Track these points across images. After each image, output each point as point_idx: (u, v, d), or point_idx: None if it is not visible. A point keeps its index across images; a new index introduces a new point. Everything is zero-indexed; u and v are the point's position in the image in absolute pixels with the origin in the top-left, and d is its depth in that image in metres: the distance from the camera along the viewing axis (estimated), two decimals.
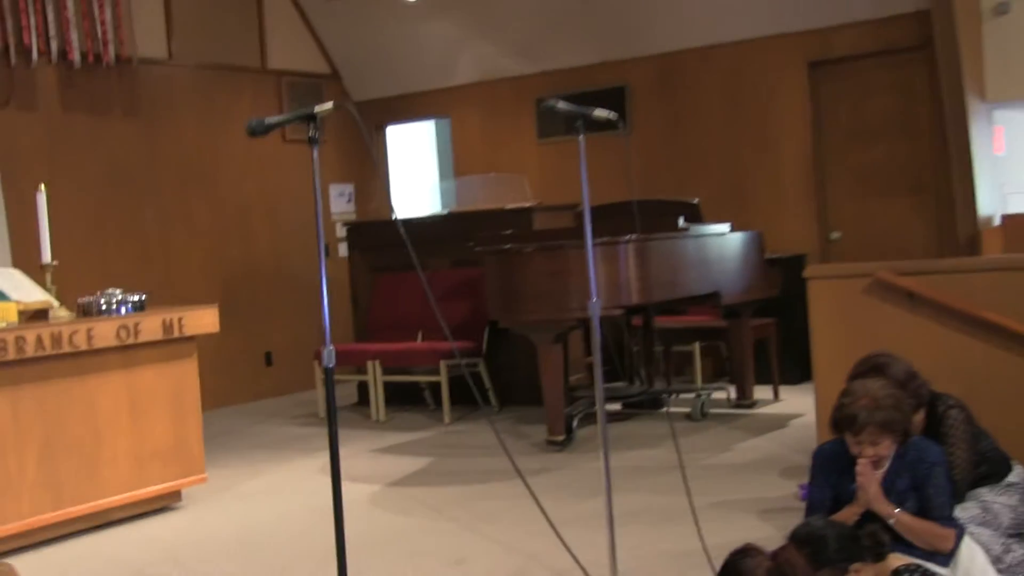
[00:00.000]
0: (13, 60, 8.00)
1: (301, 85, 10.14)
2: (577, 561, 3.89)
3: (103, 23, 8.50)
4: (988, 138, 7.70)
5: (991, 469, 4.39)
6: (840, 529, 3.31)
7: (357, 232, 9.05)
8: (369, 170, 10.65)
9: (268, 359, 9.79)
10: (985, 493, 4.33)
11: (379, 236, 8.74)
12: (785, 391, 7.83)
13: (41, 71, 8.26)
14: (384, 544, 4.75)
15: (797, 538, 3.12)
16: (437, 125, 11.07)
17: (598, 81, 9.47)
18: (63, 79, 8.41)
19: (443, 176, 11.12)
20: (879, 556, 3.32)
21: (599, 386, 3.99)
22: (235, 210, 9.61)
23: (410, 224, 8.57)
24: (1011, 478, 4.39)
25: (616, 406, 7.57)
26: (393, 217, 7.43)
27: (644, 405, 7.52)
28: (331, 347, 3.11)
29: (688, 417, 7.12)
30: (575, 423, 6.66)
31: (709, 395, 7.30)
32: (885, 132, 8.41)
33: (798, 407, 7.25)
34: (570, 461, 6.10)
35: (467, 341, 7.86)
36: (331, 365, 3.10)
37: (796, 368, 8.05)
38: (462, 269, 8.25)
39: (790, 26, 8.57)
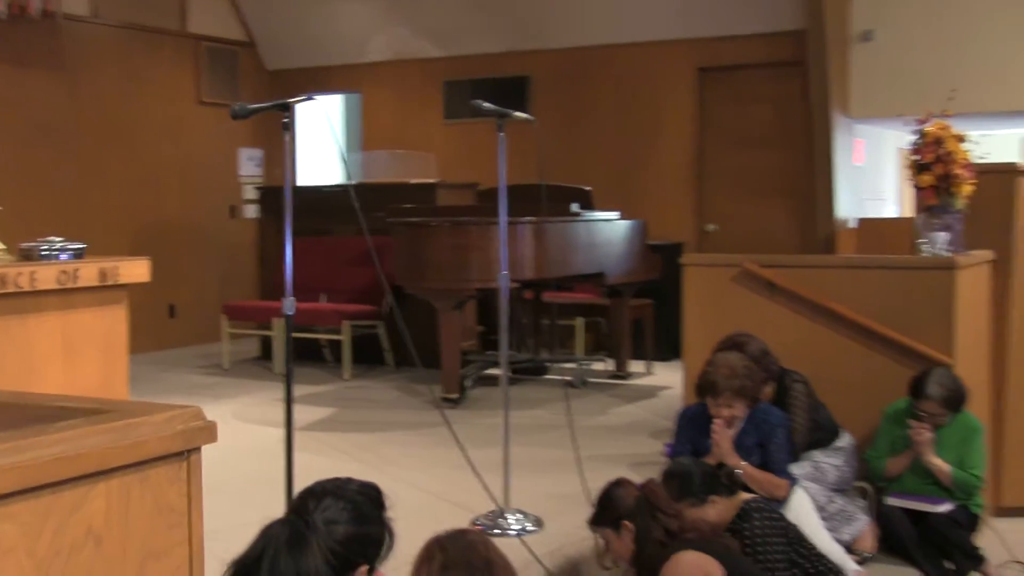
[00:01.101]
0: None
1: (218, 51, 10.55)
2: (487, 489, 4.54)
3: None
4: (849, 150, 8.56)
5: (824, 435, 5.19)
6: (704, 467, 4.06)
7: (270, 196, 9.56)
8: (278, 136, 11.09)
9: (172, 311, 10.20)
10: (817, 454, 5.12)
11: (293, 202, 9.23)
12: (657, 366, 8.61)
13: None
14: (306, 479, 5.33)
15: (669, 472, 3.83)
16: (347, 99, 11.57)
17: (504, 69, 10.09)
18: None
19: (350, 149, 11.64)
20: (732, 492, 4.07)
21: (504, 348, 4.66)
22: (150, 168, 9.99)
23: (320, 192, 9.11)
24: (839, 443, 5.20)
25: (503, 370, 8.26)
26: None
27: (530, 372, 8.22)
28: (291, 298, 3.71)
29: (570, 384, 7.85)
30: (468, 383, 7.33)
31: (589, 366, 8.04)
32: (762, 138, 9.22)
33: (667, 381, 8.02)
34: (464, 417, 6.74)
35: (369, 305, 8.46)
36: (291, 313, 3.70)
37: (668, 346, 8.82)
38: (363, 238, 8.80)
39: (684, 33, 9.30)
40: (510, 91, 9.75)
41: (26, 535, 1.29)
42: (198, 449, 1.51)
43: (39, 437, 1.37)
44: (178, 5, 10.25)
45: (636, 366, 8.41)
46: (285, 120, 3.82)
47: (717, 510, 3.93)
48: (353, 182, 9.55)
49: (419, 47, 10.41)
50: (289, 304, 3.70)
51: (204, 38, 10.45)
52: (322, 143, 11.33)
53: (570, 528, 4.22)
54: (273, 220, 9.53)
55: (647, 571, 3.53)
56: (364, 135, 10.86)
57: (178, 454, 1.49)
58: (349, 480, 2.45)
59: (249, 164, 10.83)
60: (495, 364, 8.02)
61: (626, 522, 3.55)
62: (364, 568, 2.31)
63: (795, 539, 4.03)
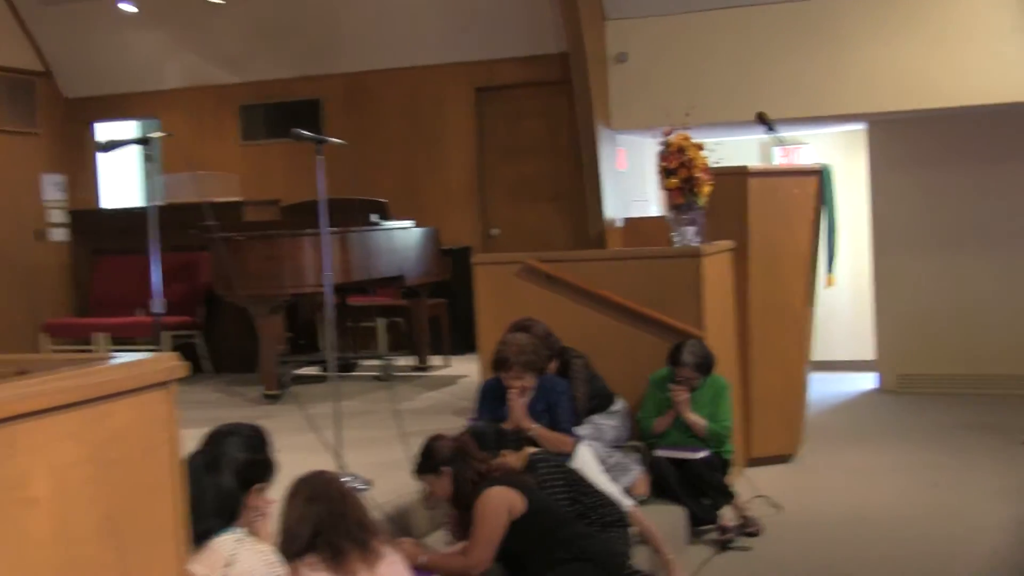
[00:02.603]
0: None
1: (15, 81, 10.84)
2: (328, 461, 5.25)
3: None
4: (613, 157, 9.64)
5: (601, 401, 6.14)
6: (495, 428, 4.92)
7: (79, 218, 9.97)
8: (79, 162, 11.44)
9: None
10: (596, 417, 6.06)
11: (100, 223, 9.72)
12: (454, 359, 9.47)
13: None
14: None
15: (469, 431, 4.68)
16: (144, 124, 11.98)
17: (296, 93, 10.77)
18: None
19: (147, 172, 12.05)
20: (519, 447, 4.94)
21: (332, 338, 5.42)
22: None
23: (130, 213, 9.60)
24: (614, 408, 6.16)
25: (313, 370, 8.97)
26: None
27: (340, 368, 8.92)
28: (161, 298, 4.38)
29: (377, 378, 8.62)
30: (286, 381, 8.02)
31: (394, 361, 8.85)
32: (534, 149, 10.21)
33: (464, 371, 8.88)
34: (285, 411, 7.37)
35: (185, 316, 9.03)
36: (162, 311, 4.37)
37: (462, 341, 9.69)
38: (178, 253, 9.35)
39: (461, 57, 10.19)
40: (303, 113, 10.44)
41: (81, 432, 2.02)
42: (175, 380, 2.25)
43: (85, 369, 2.10)
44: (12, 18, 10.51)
45: (435, 360, 9.26)
46: (148, 154, 4.46)
47: (509, 461, 4.79)
48: (163, 203, 10.07)
49: (213, 73, 10.96)
50: (159, 303, 4.35)
51: (0, 68, 10.74)
52: (124, 167, 11.70)
53: (397, 486, 4.97)
54: (84, 241, 9.93)
55: (464, 507, 4.37)
56: (164, 159, 11.33)
57: (164, 383, 2.23)
58: (241, 424, 3.21)
59: (52, 189, 11.14)
60: (307, 364, 8.74)
61: (444, 467, 4.37)
62: (258, 486, 3.08)
63: (575, 482, 4.90)
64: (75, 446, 2.02)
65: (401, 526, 4.75)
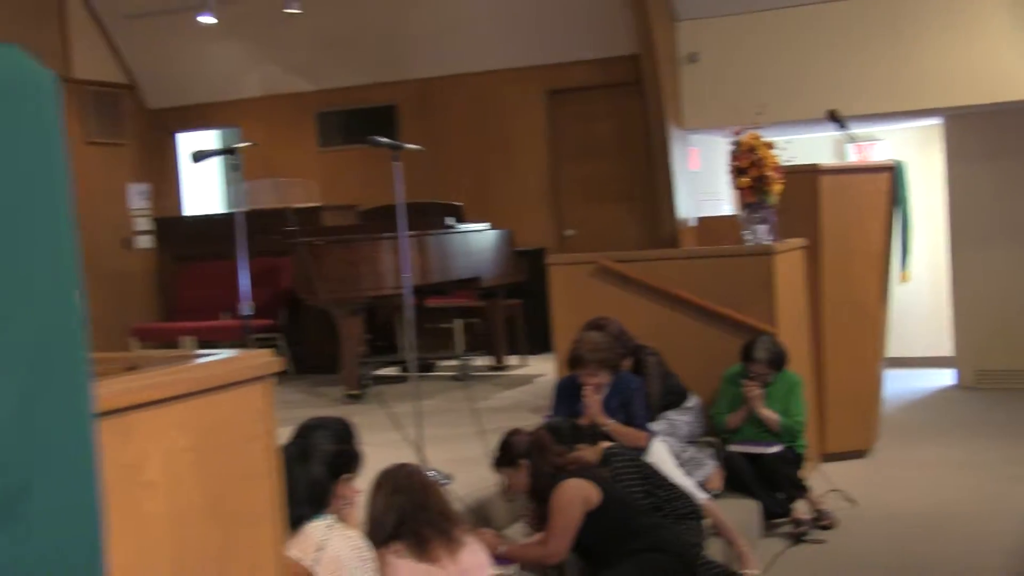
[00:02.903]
0: None
1: (102, 94, 11.22)
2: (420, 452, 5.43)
3: None
4: (685, 157, 9.72)
5: (675, 398, 6.24)
6: (571, 423, 5.05)
7: (164, 226, 10.30)
8: (162, 171, 11.80)
9: None
10: (671, 413, 6.17)
11: (183, 230, 10.02)
12: (530, 359, 9.62)
13: None
14: None
15: (545, 426, 4.82)
16: (225, 133, 12.30)
17: (371, 99, 11.00)
18: None
19: (230, 180, 12.36)
20: (595, 441, 5.06)
21: (411, 339, 5.58)
22: None
23: (212, 220, 9.89)
24: (688, 404, 6.26)
25: (393, 370, 9.17)
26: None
27: (418, 369, 9.12)
28: (250, 301, 4.57)
29: (455, 378, 8.80)
30: (367, 382, 8.23)
31: (471, 361, 9.01)
32: (606, 150, 10.32)
33: (540, 370, 9.02)
34: (367, 410, 7.57)
35: (268, 319, 9.28)
36: (250, 313, 4.56)
37: (537, 340, 9.83)
38: (260, 259, 9.62)
39: (533, 60, 10.35)
40: (378, 119, 10.66)
41: (188, 421, 2.19)
42: (271, 375, 2.42)
43: (190, 364, 2.27)
44: (62, 53, 10.89)
45: (511, 359, 9.41)
46: (234, 163, 4.66)
47: (585, 455, 4.92)
48: (245, 209, 10.34)
49: (290, 82, 11.23)
50: (247, 306, 4.56)
51: (88, 83, 11.10)
52: (205, 175, 12.03)
53: (477, 480, 5.13)
54: (168, 248, 10.25)
55: (541, 499, 4.51)
56: (244, 166, 11.60)
57: (261, 377, 2.40)
58: (329, 417, 3.38)
59: (138, 198, 11.48)
60: (387, 364, 8.94)
61: (522, 460, 4.52)
62: (346, 476, 3.25)
63: (649, 475, 5.02)
64: (183, 434, 2.19)
65: (481, 518, 4.89)
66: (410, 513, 3.64)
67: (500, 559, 4.24)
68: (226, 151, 4.94)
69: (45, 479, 1.37)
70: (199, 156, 4.88)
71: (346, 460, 3.32)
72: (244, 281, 4.86)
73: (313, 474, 3.12)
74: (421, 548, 3.62)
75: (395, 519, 3.63)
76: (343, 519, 3.27)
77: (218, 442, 2.28)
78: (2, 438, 1.29)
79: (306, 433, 3.24)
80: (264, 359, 2.43)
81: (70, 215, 1.46)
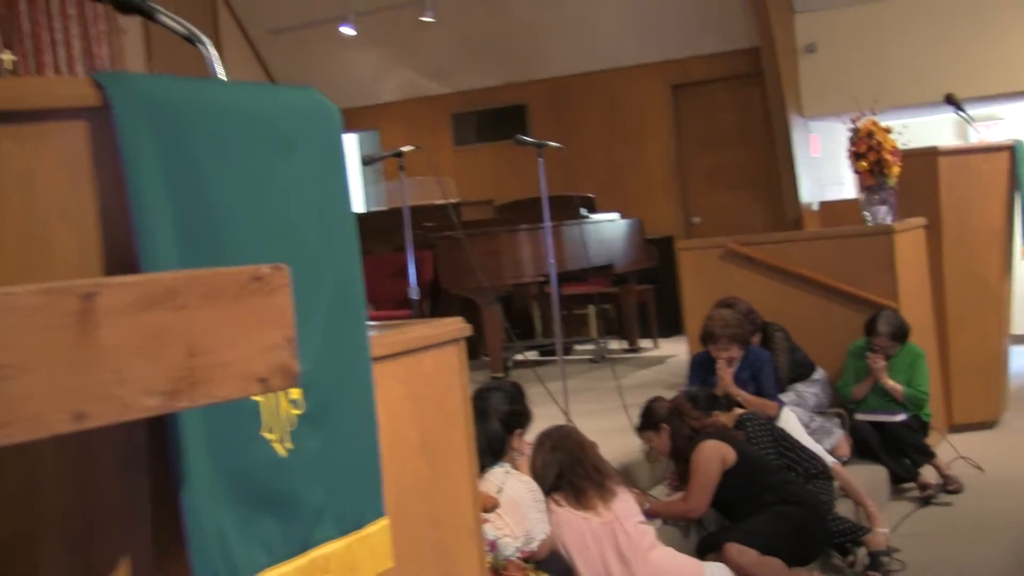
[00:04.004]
0: None
1: None
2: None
3: (100, 58, 10.27)
4: (806, 144, 10.07)
5: (803, 371, 6.64)
6: (707, 392, 5.51)
7: None
8: None
9: None
10: (799, 386, 6.57)
11: None
12: (661, 341, 10.08)
13: None
14: None
15: (683, 395, 5.30)
16: (365, 136, 12.98)
17: (502, 99, 11.58)
18: None
19: (368, 180, 13.08)
20: (729, 408, 5.52)
21: (558, 323, 6.11)
22: None
23: (360, 217, 10.55)
24: (815, 376, 6.65)
25: (532, 355, 9.71)
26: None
27: (554, 353, 9.66)
28: (416, 287, 5.14)
29: (592, 360, 9.31)
30: (509, 365, 8.80)
31: (606, 343, 9.52)
32: (730, 140, 10.72)
33: (671, 351, 9.49)
34: None
35: (408, 310, 9.89)
36: (417, 298, 5.13)
37: (668, 324, 10.30)
38: (399, 254, 10.25)
39: (657, 57, 10.81)
40: (511, 118, 11.23)
41: (403, 375, 2.74)
42: (463, 338, 2.97)
43: (403, 329, 2.83)
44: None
45: (644, 342, 9.89)
46: (400, 165, 5.23)
47: (721, 420, 5.38)
48: (386, 207, 11.01)
49: (426, 85, 11.88)
50: (414, 291, 5.13)
51: None
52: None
53: (622, 446, 5.61)
54: None
55: (681, 459, 4.99)
56: (384, 166, 12.30)
57: (456, 340, 2.94)
58: (503, 380, 3.93)
59: None
60: (528, 349, 9.49)
61: (663, 424, 5.01)
62: (519, 431, 3.80)
63: (780, 438, 5.46)
64: (399, 385, 2.74)
65: (626, 481, 5.39)
66: (568, 467, 4.17)
67: (646, 515, 4.73)
68: (394, 154, 5.51)
69: (342, 395, 1.93)
70: (367, 160, 5.47)
71: (518, 417, 3.87)
72: (411, 270, 5.45)
73: (491, 429, 3.67)
74: (578, 497, 4.14)
75: (555, 473, 4.16)
76: (516, 467, 3.82)
77: (425, 391, 2.83)
78: (316, 360, 1.84)
79: (484, 395, 3.79)
80: (458, 325, 2.98)
81: (351, 210, 2.02)
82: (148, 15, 2.05)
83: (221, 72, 2.08)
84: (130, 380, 1.25)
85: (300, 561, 1.81)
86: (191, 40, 2.05)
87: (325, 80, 12.19)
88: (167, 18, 2.07)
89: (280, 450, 1.78)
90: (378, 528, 2.00)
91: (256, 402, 1.74)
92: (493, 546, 3.32)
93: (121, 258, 1.64)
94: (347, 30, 11.27)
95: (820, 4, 9.71)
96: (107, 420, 1.23)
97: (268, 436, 1.76)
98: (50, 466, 1.64)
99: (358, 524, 1.94)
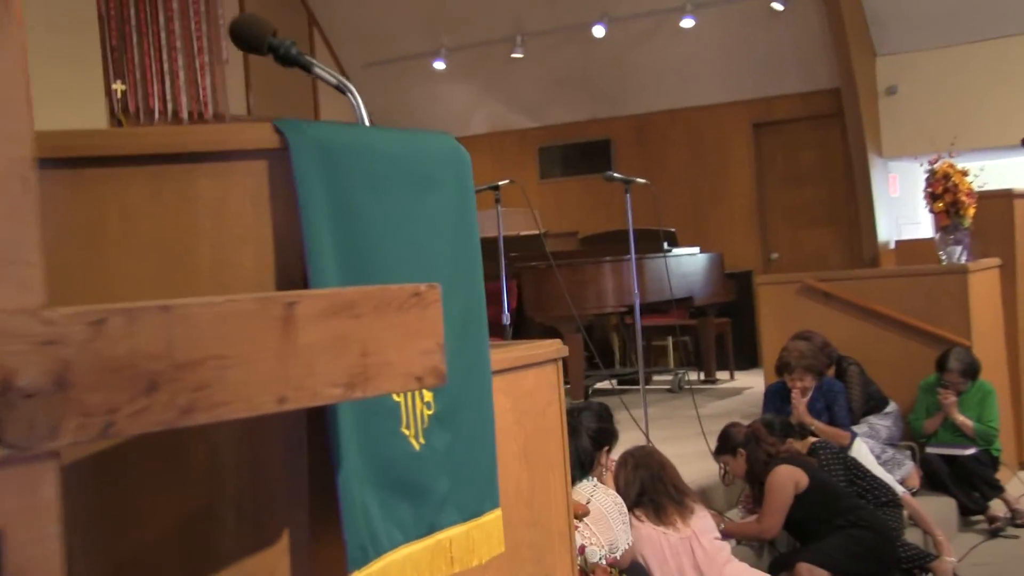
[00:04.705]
0: (142, 119, 10.28)
1: None
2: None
3: (204, 88, 10.80)
4: (885, 184, 10.25)
5: (875, 404, 6.84)
6: (783, 420, 5.74)
7: None
8: None
9: None
10: (872, 418, 6.77)
11: None
12: (738, 374, 10.30)
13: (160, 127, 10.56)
14: None
15: (760, 421, 5.54)
16: None
17: (587, 134, 11.90)
18: None
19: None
20: (803, 436, 5.75)
21: (640, 352, 6.39)
22: None
23: None
24: (887, 410, 6.85)
25: (611, 383, 9.97)
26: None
27: (635, 382, 9.92)
28: (508, 314, 5.45)
29: (670, 390, 9.56)
30: (589, 391, 9.08)
31: (685, 374, 9.76)
32: (810, 178, 10.94)
33: (748, 383, 9.69)
34: None
35: (497, 337, 10.22)
36: (508, 324, 5.44)
37: (745, 357, 10.51)
38: (488, 282, 10.58)
39: (739, 95, 11.07)
40: (595, 153, 11.55)
41: (507, 389, 3.04)
42: (561, 358, 3.26)
43: (507, 349, 3.14)
44: (312, 100, 12.19)
45: (721, 374, 10.11)
46: (496, 198, 5.54)
47: (795, 446, 5.61)
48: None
49: (514, 119, 12.24)
50: (506, 317, 5.44)
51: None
52: None
53: (700, 471, 5.87)
54: None
55: (756, 482, 5.23)
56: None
57: (553, 359, 3.24)
58: (592, 401, 4.22)
59: None
60: (606, 378, 9.77)
61: (740, 449, 5.26)
62: (606, 448, 4.08)
63: (852, 467, 5.67)
64: (504, 399, 3.04)
65: (703, 503, 5.64)
66: (649, 485, 4.44)
67: (721, 535, 4.97)
68: (491, 187, 5.82)
69: (467, 401, 2.23)
70: None
71: (606, 435, 4.16)
72: (504, 297, 5.78)
73: (581, 445, 3.95)
74: (658, 513, 4.41)
75: (637, 490, 4.43)
76: (603, 482, 4.11)
77: (526, 405, 3.13)
78: (451, 343, 2.12)
79: (576, 414, 4.07)
80: (556, 347, 3.28)
81: (478, 242, 2.33)
82: (306, 68, 2.37)
83: (365, 117, 2.40)
84: (319, 373, 1.56)
85: (428, 541, 2.11)
86: (341, 90, 2.37)
87: (415, 112, 12.62)
88: (320, 70, 2.39)
89: (415, 444, 2.08)
90: (493, 517, 2.29)
91: (397, 402, 2.04)
92: (582, 550, 3.60)
93: (289, 277, 1.96)
94: (439, 65, 11.67)
95: (902, 47, 9.91)
96: (301, 404, 1.54)
97: (406, 432, 2.07)
98: (228, 451, 1.96)
99: (477, 512, 2.24)
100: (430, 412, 2.13)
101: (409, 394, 2.06)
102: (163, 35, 10.37)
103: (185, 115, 10.56)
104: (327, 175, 1.93)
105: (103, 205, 1.90)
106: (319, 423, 1.94)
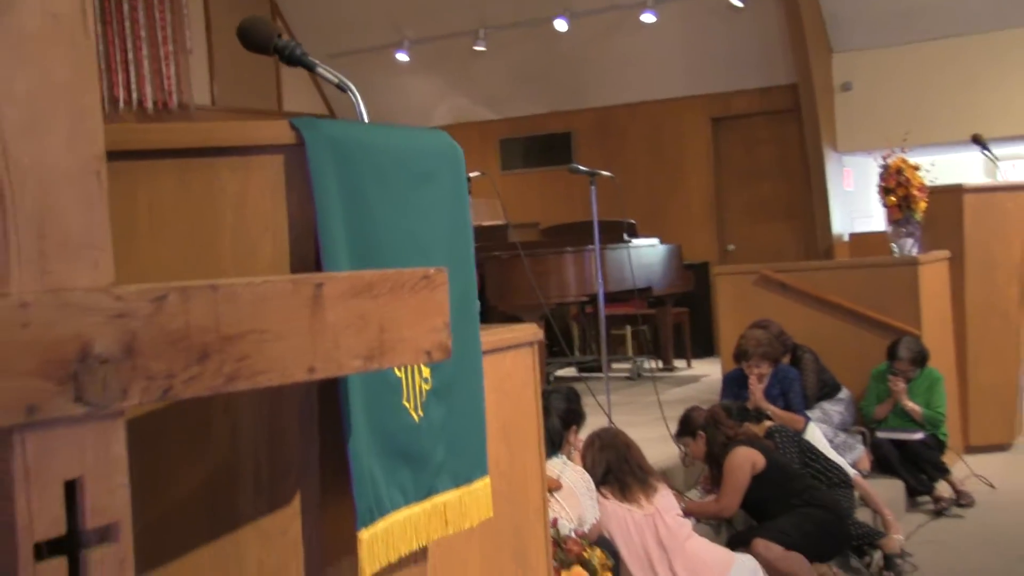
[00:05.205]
0: (106, 108, 10.34)
1: None
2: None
3: (168, 78, 10.88)
4: (840, 178, 10.53)
5: (829, 390, 7.09)
6: (740, 405, 5.98)
7: None
8: None
9: None
10: (825, 404, 7.02)
11: None
12: (695, 362, 10.55)
13: (124, 116, 10.61)
14: None
15: (719, 406, 5.77)
16: None
17: (549, 127, 12.10)
18: (140, 121, 10.76)
19: None
20: (759, 420, 5.99)
21: (603, 340, 6.60)
22: None
23: None
24: (840, 396, 7.10)
25: (570, 371, 10.20)
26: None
27: (593, 369, 10.15)
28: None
29: (628, 377, 9.79)
30: (551, 378, 9.29)
31: (643, 362, 10.00)
32: (767, 172, 11.20)
33: (705, 371, 9.95)
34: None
35: None
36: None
37: (701, 346, 10.77)
38: None
39: (698, 90, 11.32)
40: (556, 145, 11.75)
41: (489, 371, 3.23)
42: (537, 341, 3.46)
43: (489, 332, 3.33)
44: (275, 90, 12.30)
45: (678, 362, 10.35)
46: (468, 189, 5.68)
47: (752, 430, 5.85)
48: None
49: (476, 111, 12.42)
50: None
51: (296, 114, 12.44)
52: None
53: (660, 453, 6.08)
54: None
55: (715, 464, 5.46)
56: None
57: (530, 343, 3.44)
58: (560, 385, 4.43)
59: None
60: (567, 365, 9.98)
61: (700, 432, 5.48)
62: (574, 427, 4.29)
63: (806, 449, 5.92)
64: (485, 379, 3.24)
65: (666, 479, 5.87)
66: (615, 464, 4.66)
67: (682, 515, 5.20)
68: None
69: (460, 378, 2.42)
70: None
71: (575, 415, 4.38)
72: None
73: (551, 424, 4.16)
74: (623, 491, 4.63)
75: (604, 469, 4.65)
76: (572, 460, 4.32)
77: (505, 386, 3.32)
78: (452, 324, 2.30)
79: (546, 395, 4.28)
80: (533, 330, 3.48)
81: (471, 230, 2.51)
82: (310, 68, 2.55)
83: (364, 114, 2.58)
84: (343, 347, 1.74)
85: (426, 504, 2.30)
86: (342, 88, 2.55)
87: (378, 104, 12.74)
88: (323, 70, 2.57)
89: (415, 416, 2.27)
90: (483, 485, 2.49)
91: (399, 378, 2.23)
92: (555, 523, 3.80)
93: (302, 262, 2.14)
94: (402, 57, 11.82)
95: (857, 44, 10.19)
96: (328, 374, 1.73)
97: (406, 405, 2.25)
98: (247, 422, 2.13)
99: (468, 479, 2.43)
100: (428, 387, 2.31)
101: (409, 371, 2.25)
102: (127, 24, 10.44)
103: (150, 104, 10.65)
104: (339, 169, 2.11)
105: (134, 196, 2.06)
106: (329, 398, 2.12)
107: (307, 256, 2.13)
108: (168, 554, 2.05)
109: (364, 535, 2.08)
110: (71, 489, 1.37)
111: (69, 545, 1.36)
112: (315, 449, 2.17)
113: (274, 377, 1.66)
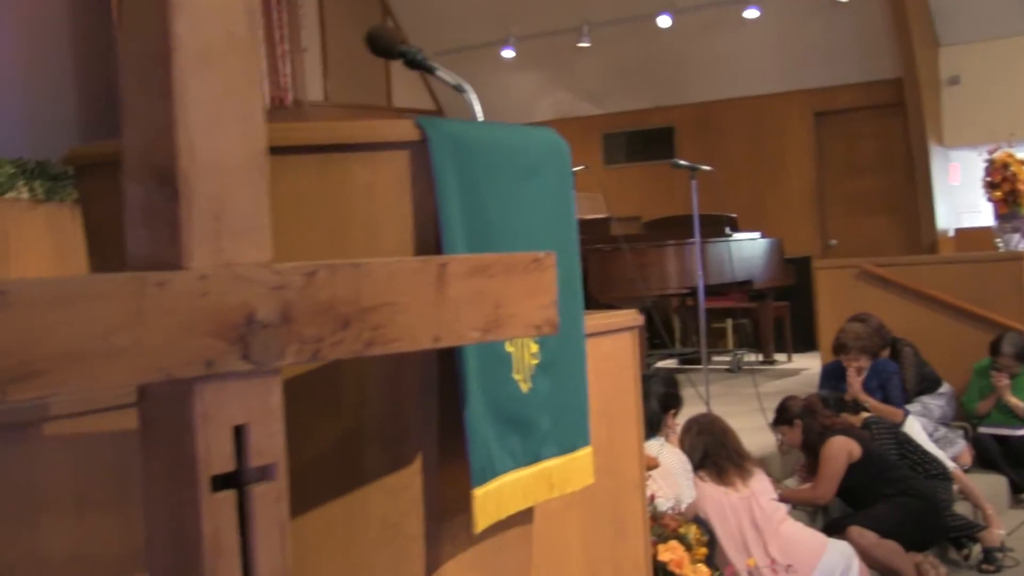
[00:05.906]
0: None
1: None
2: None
3: (284, 76, 11.27)
4: (945, 173, 10.50)
5: (929, 384, 7.15)
6: (837, 396, 6.09)
7: None
8: None
9: None
10: (925, 398, 7.08)
11: None
12: (795, 356, 10.61)
13: None
14: None
15: (816, 396, 5.89)
16: None
17: (650, 122, 12.24)
18: None
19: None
20: (856, 412, 6.09)
21: (703, 333, 6.75)
22: None
23: None
24: (941, 390, 7.15)
25: (672, 363, 10.34)
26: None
27: (694, 362, 10.27)
28: None
29: (729, 370, 9.91)
30: (650, 372, 9.44)
31: (743, 355, 10.10)
32: (870, 167, 11.20)
33: (805, 364, 10.00)
34: None
35: None
36: None
37: (801, 340, 10.80)
38: None
39: (801, 84, 11.35)
40: (658, 140, 11.90)
41: (590, 357, 3.44)
42: (637, 326, 3.66)
43: (588, 315, 3.54)
44: (385, 86, 12.63)
45: (778, 356, 10.43)
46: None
47: (849, 420, 5.95)
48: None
49: (579, 106, 12.60)
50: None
51: (405, 110, 12.80)
52: None
53: (759, 442, 6.21)
54: None
55: (811, 452, 5.59)
56: None
57: (630, 328, 3.63)
58: (660, 369, 4.62)
59: None
60: (667, 357, 10.13)
61: (797, 420, 5.62)
62: (672, 411, 4.48)
63: (904, 441, 6.01)
64: (588, 360, 3.44)
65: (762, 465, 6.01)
66: (712, 448, 4.83)
67: (778, 501, 5.34)
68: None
69: (565, 353, 2.63)
70: None
71: (673, 399, 4.58)
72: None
73: (650, 407, 4.36)
74: (720, 475, 4.80)
75: (701, 453, 4.82)
76: (670, 442, 4.52)
77: (607, 367, 3.53)
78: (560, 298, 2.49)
79: (645, 380, 4.47)
80: (633, 316, 3.68)
81: (575, 221, 2.72)
82: (430, 71, 2.78)
83: (479, 113, 2.80)
84: (463, 319, 1.97)
85: (533, 469, 2.52)
86: (459, 89, 2.78)
87: (483, 99, 12.85)
88: (442, 73, 2.80)
89: (523, 387, 2.49)
90: (585, 453, 2.70)
91: (510, 352, 2.45)
92: (652, 499, 4.00)
93: (424, 247, 2.37)
94: (508, 53, 12.06)
95: (964, 37, 10.15)
96: (450, 343, 1.96)
97: (516, 377, 2.47)
98: (374, 389, 2.37)
99: (572, 448, 2.64)
100: (536, 362, 2.53)
101: (519, 345, 2.46)
102: None
103: (267, 101, 11.01)
104: (458, 164, 2.33)
105: (279, 188, 2.31)
106: (447, 369, 2.35)
107: (428, 242, 2.35)
108: (305, 504, 2.30)
109: (478, 492, 2.29)
110: (238, 433, 1.61)
111: (237, 481, 1.61)
112: (434, 414, 2.39)
113: (404, 344, 1.89)
